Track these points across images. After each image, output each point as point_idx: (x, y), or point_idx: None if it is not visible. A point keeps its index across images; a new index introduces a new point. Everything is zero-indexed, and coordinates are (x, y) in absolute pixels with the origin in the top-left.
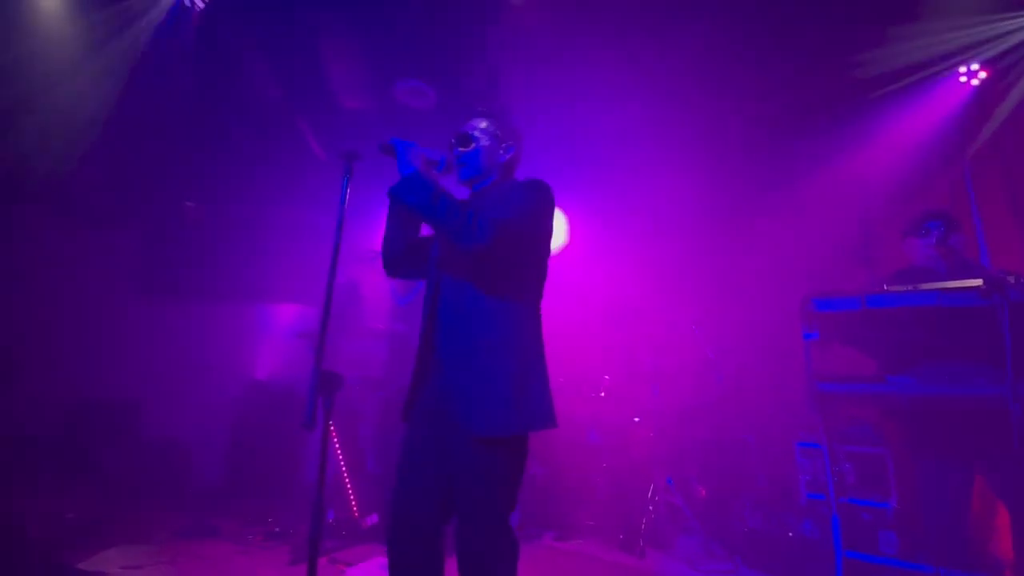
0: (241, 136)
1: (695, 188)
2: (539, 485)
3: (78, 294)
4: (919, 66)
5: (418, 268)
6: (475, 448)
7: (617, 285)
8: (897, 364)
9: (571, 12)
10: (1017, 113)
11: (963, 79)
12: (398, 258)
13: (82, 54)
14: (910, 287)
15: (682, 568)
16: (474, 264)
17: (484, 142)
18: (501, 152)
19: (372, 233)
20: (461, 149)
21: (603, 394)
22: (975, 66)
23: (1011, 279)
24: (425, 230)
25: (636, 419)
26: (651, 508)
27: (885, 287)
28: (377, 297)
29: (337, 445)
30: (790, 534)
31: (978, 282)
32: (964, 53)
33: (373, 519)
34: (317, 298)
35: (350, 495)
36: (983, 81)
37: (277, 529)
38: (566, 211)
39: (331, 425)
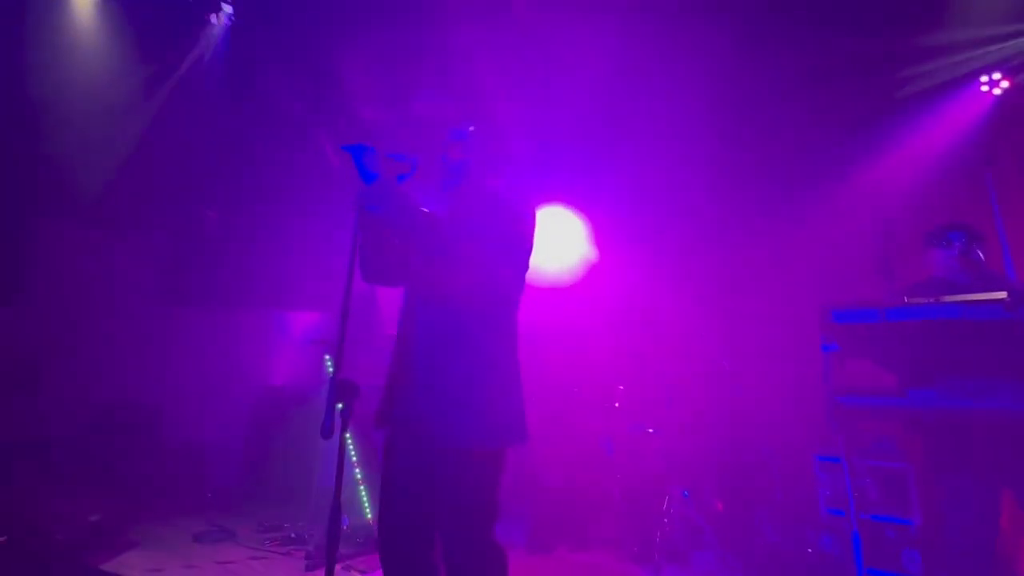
0: (262, 147)
1: (712, 196)
2: (553, 495)
3: (103, 301)
4: (939, 74)
5: (396, 274)
6: (450, 461)
7: (631, 294)
8: (918, 378)
9: (587, 13)
10: None
11: (984, 88)
12: (373, 266)
13: (117, 69)
14: (932, 300)
15: None
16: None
17: (474, 148)
18: (488, 154)
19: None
20: (450, 158)
21: (616, 404)
22: (997, 75)
23: None
24: None
25: (650, 430)
26: (666, 521)
27: (906, 299)
28: (394, 305)
29: (353, 452)
30: (809, 550)
31: (1002, 295)
32: (986, 63)
33: None
34: (334, 305)
35: (365, 502)
36: (1005, 90)
37: (293, 535)
38: (581, 217)
39: (347, 434)
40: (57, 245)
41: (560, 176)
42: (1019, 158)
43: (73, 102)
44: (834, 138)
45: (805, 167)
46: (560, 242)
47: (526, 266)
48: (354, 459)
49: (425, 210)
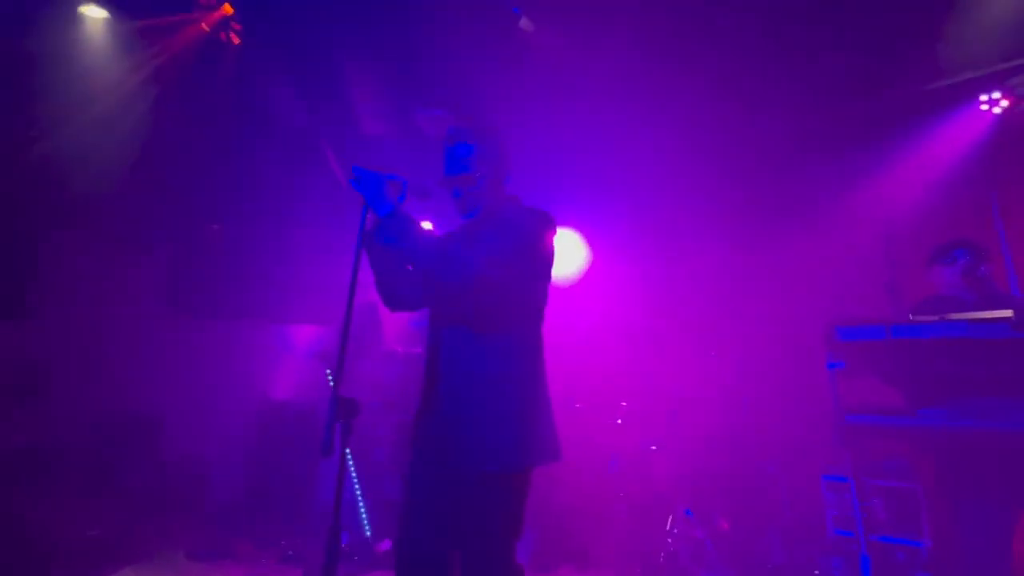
0: (265, 161)
1: (716, 212)
2: (556, 513)
3: (106, 313)
4: (940, 93)
5: (419, 297)
6: (477, 483)
7: (635, 309)
8: (925, 397)
9: (588, 29)
10: None
11: (984, 107)
12: (400, 295)
13: (121, 79)
14: (938, 317)
15: None
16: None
17: (480, 171)
18: (493, 175)
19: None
20: (459, 185)
21: (620, 421)
22: (996, 94)
23: None
24: None
25: (654, 447)
26: (671, 540)
27: (912, 317)
28: (396, 319)
29: (353, 469)
30: (816, 572)
31: (1008, 313)
32: (983, 81)
33: (386, 544)
34: (335, 319)
35: (365, 520)
36: (1006, 110)
37: (291, 552)
38: (584, 234)
39: (347, 450)
40: (62, 258)
41: (562, 192)
42: (1022, 177)
43: (81, 117)
44: (835, 156)
45: (808, 185)
46: (563, 259)
47: (548, 281)
48: (354, 476)
49: (436, 235)
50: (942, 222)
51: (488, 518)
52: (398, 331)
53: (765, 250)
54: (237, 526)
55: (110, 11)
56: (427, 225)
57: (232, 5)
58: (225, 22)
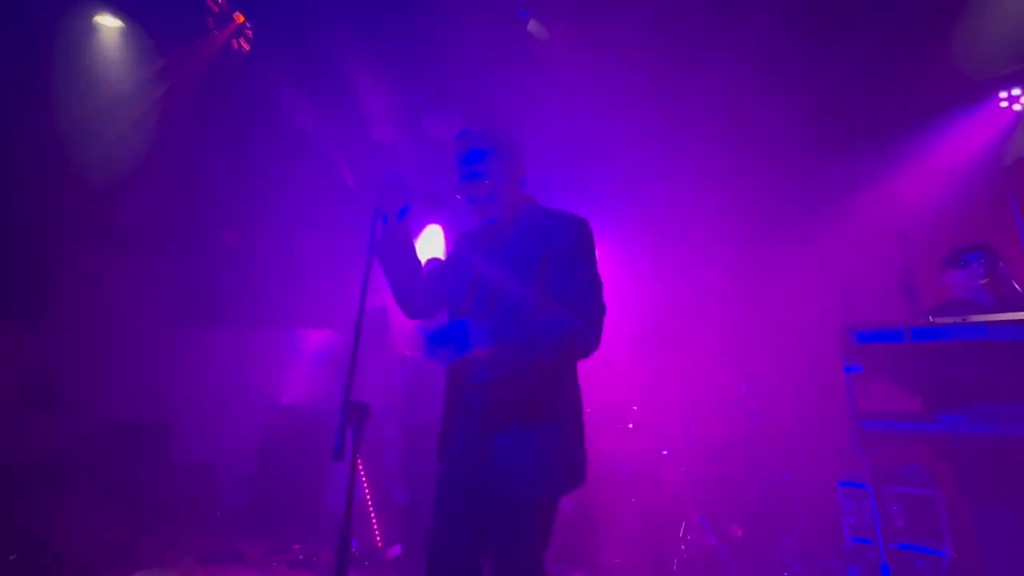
0: (276, 167)
1: (728, 214)
2: (565, 520)
3: (118, 319)
4: (957, 91)
5: (438, 303)
6: (511, 507)
7: (645, 312)
8: (944, 401)
9: (596, 28)
10: None
11: (1004, 104)
12: (418, 305)
13: (139, 93)
14: (959, 319)
15: None
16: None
17: (495, 176)
18: (509, 178)
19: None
20: (482, 198)
21: (631, 426)
22: (1016, 91)
23: None
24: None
25: (665, 452)
26: (683, 548)
27: (931, 319)
28: (405, 324)
29: (363, 475)
30: None
31: None
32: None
33: (396, 550)
34: (345, 324)
35: (374, 526)
36: None
37: (301, 557)
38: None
39: (358, 456)
40: (73, 266)
41: (571, 196)
42: None
43: (96, 126)
44: (850, 157)
45: (822, 187)
46: None
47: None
48: (364, 480)
49: (529, 322)
50: (960, 222)
51: (521, 539)
52: (407, 336)
53: (778, 252)
54: (247, 531)
55: (124, 20)
56: (436, 228)
57: (243, 13)
58: (237, 30)
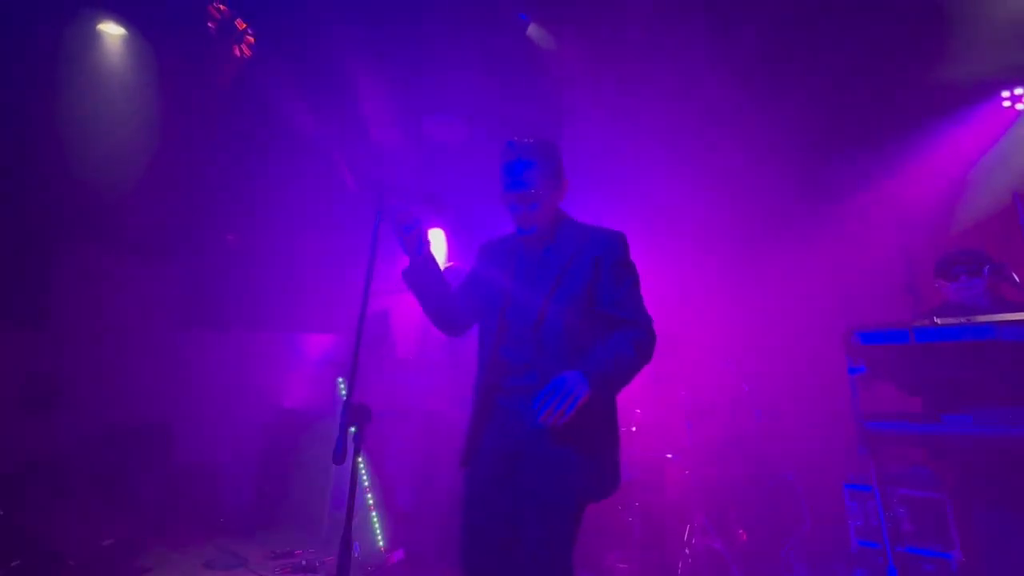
0: (277, 171)
1: (730, 214)
2: None
3: (119, 322)
4: (961, 89)
5: (470, 319)
6: (545, 512)
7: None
8: (949, 403)
9: (600, 33)
10: None
11: (1007, 103)
12: (452, 322)
13: (142, 98)
14: (963, 320)
15: None
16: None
17: (540, 189)
18: (552, 192)
19: (403, 265)
20: (524, 208)
21: (634, 429)
22: (1019, 90)
23: None
24: (453, 280)
25: (669, 455)
26: (688, 552)
27: (936, 320)
28: (407, 327)
29: (365, 479)
30: None
31: None
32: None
33: (399, 555)
34: (347, 327)
35: (377, 530)
36: None
37: (304, 562)
38: None
39: (360, 458)
40: (76, 269)
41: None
42: None
43: (99, 132)
44: (852, 156)
45: (825, 186)
46: None
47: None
48: (366, 484)
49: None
50: (963, 222)
51: (551, 543)
52: (409, 339)
53: (780, 252)
54: (250, 535)
55: (127, 28)
56: (438, 231)
57: (244, 19)
58: (239, 36)
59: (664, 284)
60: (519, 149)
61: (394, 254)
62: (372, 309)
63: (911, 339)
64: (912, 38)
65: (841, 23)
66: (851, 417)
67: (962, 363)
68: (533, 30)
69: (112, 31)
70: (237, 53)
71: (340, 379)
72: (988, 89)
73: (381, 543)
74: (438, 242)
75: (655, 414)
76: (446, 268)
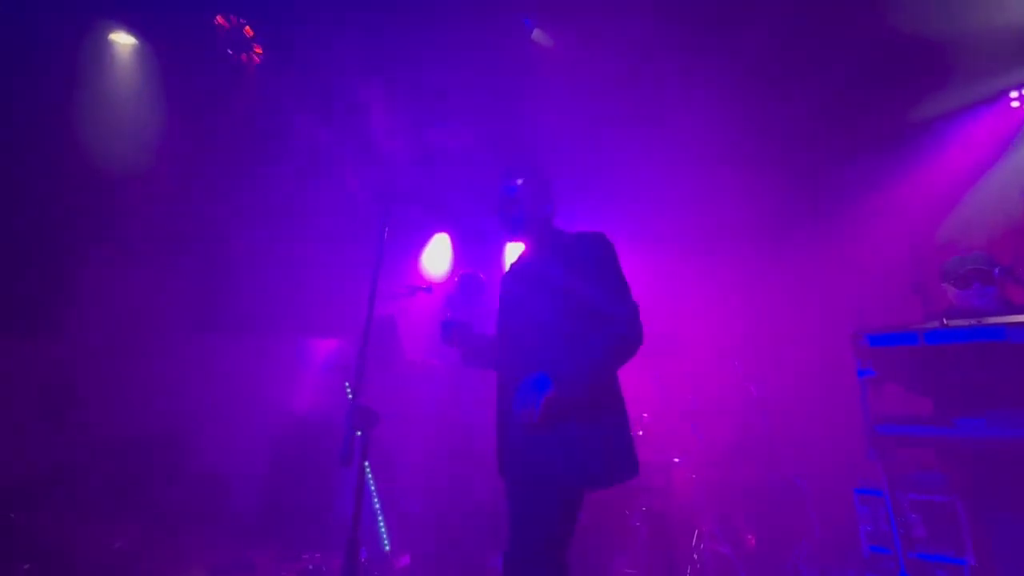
0: (285, 177)
1: (738, 216)
2: (578, 528)
3: (129, 329)
4: (967, 91)
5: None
6: (525, 494)
7: (655, 318)
8: (959, 406)
9: (602, 28)
10: None
11: (1015, 104)
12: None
13: (152, 105)
14: (973, 322)
15: None
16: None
17: (527, 201)
18: (539, 207)
19: (409, 269)
20: (508, 213)
21: (640, 433)
22: None
23: None
24: (470, 290)
25: (676, 459)
26: (696, 557)
27: (946, 322)
28: (414, 332)
29: (372, 483)
30: None
31: None
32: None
33: (405, 560)
34: (354, 332)
35: (383, 534)
36: None
37: (311, 567)
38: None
39: (366, 462)
40: (88, 276)
41: (583, 197)
42: None
43: (110, 140)
44: (862, 158)
45: (833, 190)
46: None
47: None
48: (373, 490)
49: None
50: (971, 223)
51: (534, 520)
52: (417, 344)
53: (790, 256)
54: (258, 540)
55: (138, 38)
56: (443, 236)
57: (252, 28)
58: (247, 43)
59: (672, 288)
60: (510, 171)
61: (400, 258)
62: (379, 313)
63: (921, 341)
64: (920, 41)
65: (849, 26)
66: (861, 420)
67: (972, 365)
68: (538, 35)
69: (124, 41)
70: (245, 60)
71: (347, 383)
72: (995, 90)
73: (387, 547)
74: (443, 247)
75: (662, 417)
76: (460, 276)
